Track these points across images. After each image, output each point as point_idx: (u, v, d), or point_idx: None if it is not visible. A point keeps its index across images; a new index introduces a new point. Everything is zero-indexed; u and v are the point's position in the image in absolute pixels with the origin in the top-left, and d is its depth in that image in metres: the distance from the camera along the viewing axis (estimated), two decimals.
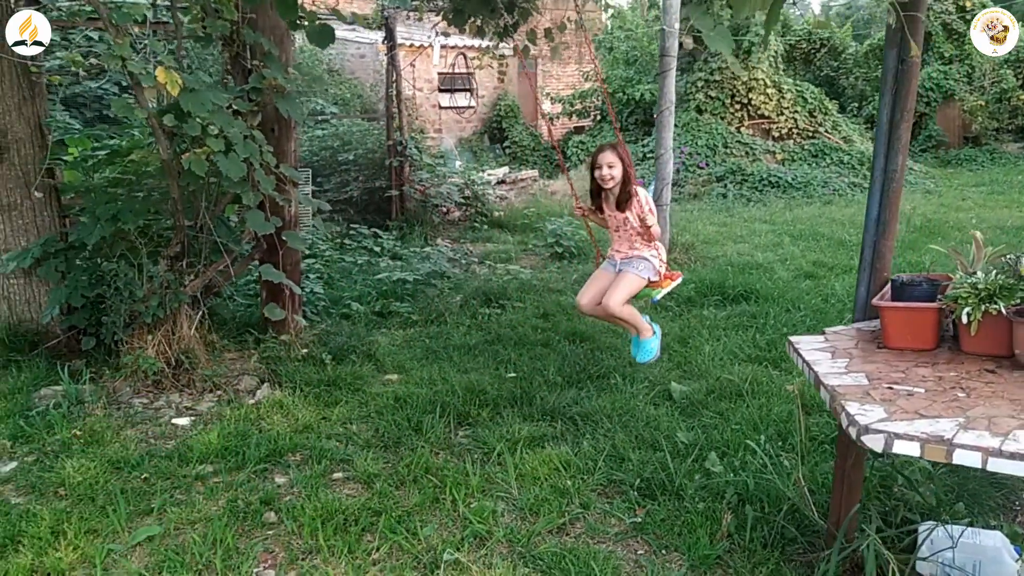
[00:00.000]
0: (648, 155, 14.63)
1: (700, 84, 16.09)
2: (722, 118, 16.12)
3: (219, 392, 4.96)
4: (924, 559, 2.82)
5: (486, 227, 11.24)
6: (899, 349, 2.64)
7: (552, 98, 19.81)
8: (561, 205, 12.70)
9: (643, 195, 4.57)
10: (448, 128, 19.21)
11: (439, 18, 7.97)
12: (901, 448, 1.92)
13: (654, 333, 4.78)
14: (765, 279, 7.66)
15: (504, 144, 19.32)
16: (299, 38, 7.72)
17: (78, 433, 4.38)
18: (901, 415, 2.05)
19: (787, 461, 3.59)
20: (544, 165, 18.29)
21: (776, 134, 16.34)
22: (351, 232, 9.69)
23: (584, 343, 5.90)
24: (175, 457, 4.15)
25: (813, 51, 21.58)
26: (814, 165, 15.47)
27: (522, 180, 15.06)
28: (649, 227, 4.53)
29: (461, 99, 19.34)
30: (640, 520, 3.49)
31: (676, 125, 15.97)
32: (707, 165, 15.35)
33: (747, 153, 15.72)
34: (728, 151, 15.70)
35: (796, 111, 16.28)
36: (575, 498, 3.68)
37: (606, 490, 3.79)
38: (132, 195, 5.30)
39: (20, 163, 5.33)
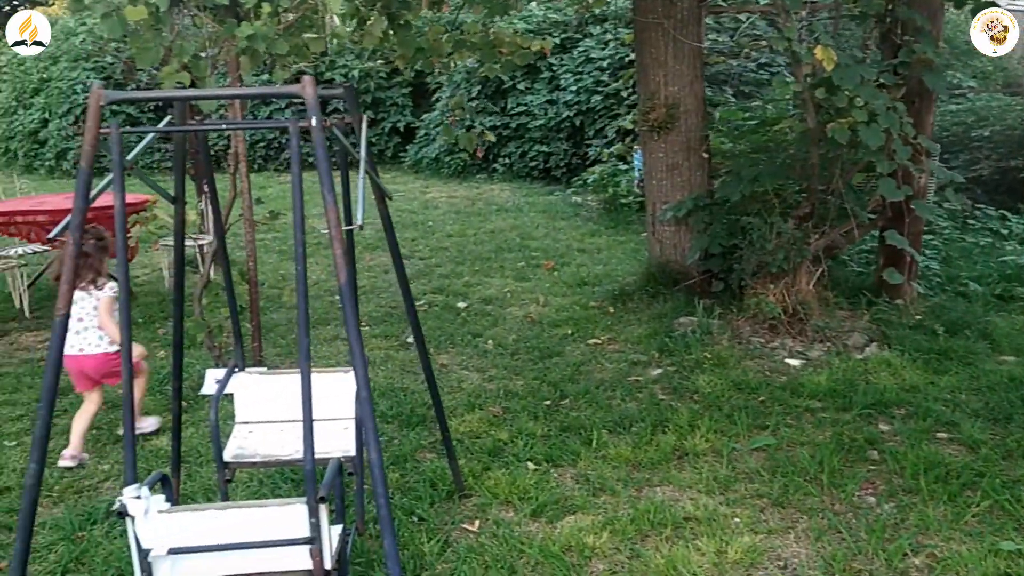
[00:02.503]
0: None
1: None
2: None
3: (828, 344, 5.39)
4: None
5: None
6: None
7: None
8: None
9: None
10: None
11: None
12: None
13: None
14: None
15: None
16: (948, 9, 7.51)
17: (708, 356, 5.27)
18: None
19: None
20: None
21: None
22: (976, 212, 9.13)
23: None
24: (787, 389, 4.75)
25: None
26: None
27: None
28: None
29: None
30: None
31: None
32: None
33: None
34: None
35: None
36: None
37: None
38: (771, 160, 5.99)
39: (685, 131, 6.41)
